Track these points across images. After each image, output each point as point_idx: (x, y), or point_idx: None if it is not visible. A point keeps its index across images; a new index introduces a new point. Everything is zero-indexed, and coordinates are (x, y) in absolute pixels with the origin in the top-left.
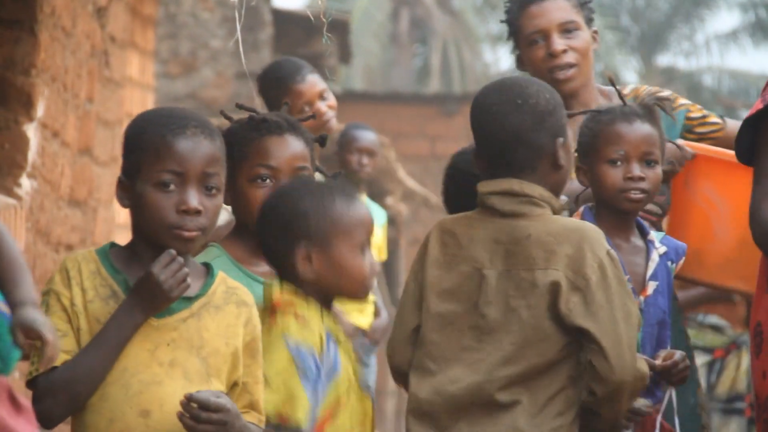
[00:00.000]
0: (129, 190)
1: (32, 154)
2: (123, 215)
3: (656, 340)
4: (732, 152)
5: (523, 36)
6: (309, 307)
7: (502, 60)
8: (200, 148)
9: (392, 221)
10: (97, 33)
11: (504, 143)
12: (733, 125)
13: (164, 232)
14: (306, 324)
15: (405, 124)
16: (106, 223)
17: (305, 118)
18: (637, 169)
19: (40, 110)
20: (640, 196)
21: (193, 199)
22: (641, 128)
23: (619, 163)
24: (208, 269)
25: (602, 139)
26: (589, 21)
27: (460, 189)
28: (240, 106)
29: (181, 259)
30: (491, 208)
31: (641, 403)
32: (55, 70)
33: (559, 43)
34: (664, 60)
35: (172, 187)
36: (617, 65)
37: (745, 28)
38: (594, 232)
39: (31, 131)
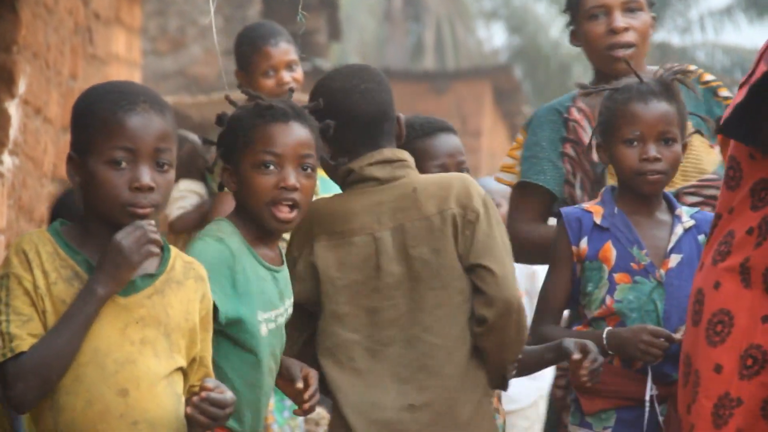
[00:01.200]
0: (80, 167)
1: (14, 131)
2: None
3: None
4: None
5: (584, 9)
6: None
7: (495, 36)
8: (152, 125)
9: None
10: (80, 10)
11: (374, 119)
12: None
13: (118, 209)
14: None
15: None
16: None
17: (311, 106)
18: (653, 150)
19: (21, 87)
20: (657, 177)
21: (146, 175)
22: (657, 107)
23: (635, 143)
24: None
25: (618, 118)
26: (651, 5)
27: None
28: (245, 92)
29: (149, 227)
30: (370, 178)
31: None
32: (37, 47)
33: (621, 20)
34: (658, 36)
35: (123, 164)
36: None
37: (739, 4)
38: (472, 178)
39: (13, 108)
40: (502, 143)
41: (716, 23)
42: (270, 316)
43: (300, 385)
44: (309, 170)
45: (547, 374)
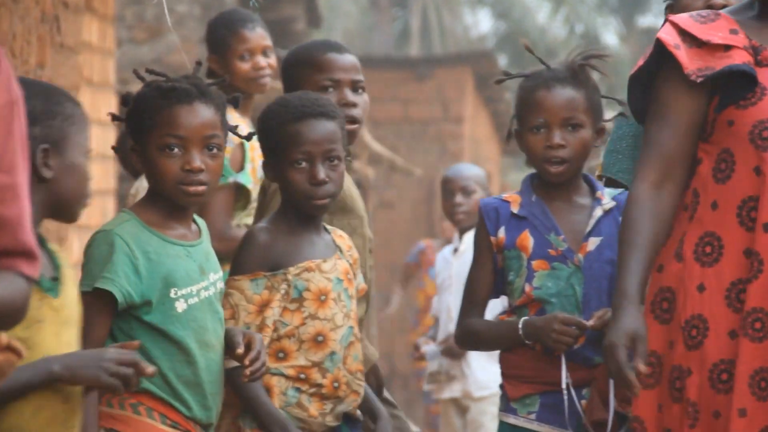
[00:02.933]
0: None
1: None
2: None
3: (608, 296)
4: None
5: None
6: None
7: (482, 22)
8: None
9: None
10: None
11: None
12: None
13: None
14: None
15: (377, 87)
16: None
17: (216, 82)
18: (557, 137)
19: None
20: (559, 164)
21: None
22: (561, 93)
23: (541, 130)
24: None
25: (525, 106)
26: None
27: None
28: (150, 71)
29: (135, 376)
30: None
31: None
32: (2, 36)
33: (717, 3)
34: (645, 21)
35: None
36: (598, 27)
37: None
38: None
39: None
40: (485, 129)
41: None
42: (189, 291)
43: (240, 350)
44: (215, 150)
45: None
